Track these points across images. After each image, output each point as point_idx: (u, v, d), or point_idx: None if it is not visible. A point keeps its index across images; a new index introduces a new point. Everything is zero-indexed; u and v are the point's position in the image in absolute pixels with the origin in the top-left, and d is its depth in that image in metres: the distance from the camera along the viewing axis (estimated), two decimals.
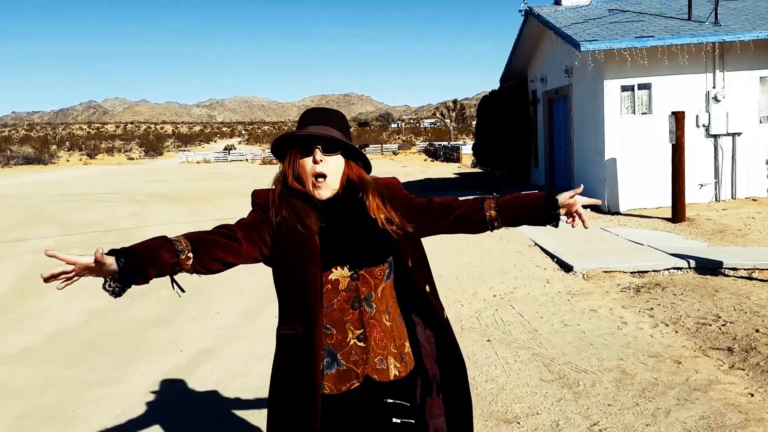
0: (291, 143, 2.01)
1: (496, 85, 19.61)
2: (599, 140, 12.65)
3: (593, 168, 13.10)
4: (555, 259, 8.37)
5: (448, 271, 8.14)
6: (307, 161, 1.95)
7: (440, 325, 2.15)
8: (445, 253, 9.24)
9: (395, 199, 2.07)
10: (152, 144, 72.75)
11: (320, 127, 1.95)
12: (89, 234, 13.14)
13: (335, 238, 1.95)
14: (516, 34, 16.74)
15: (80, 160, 56.71)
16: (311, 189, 1.96)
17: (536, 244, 9.40)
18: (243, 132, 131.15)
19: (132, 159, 57.97)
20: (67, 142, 78.26)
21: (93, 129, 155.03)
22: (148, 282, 1.80)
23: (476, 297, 6.91)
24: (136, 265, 1.76)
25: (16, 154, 49.77)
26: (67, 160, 55.80)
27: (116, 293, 1.77)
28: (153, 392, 4.86)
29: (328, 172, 1.95)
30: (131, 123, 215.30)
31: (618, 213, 12.13)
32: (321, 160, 1.93)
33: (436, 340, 2.15)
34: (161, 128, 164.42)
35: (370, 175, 2.09)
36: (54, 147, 61.79)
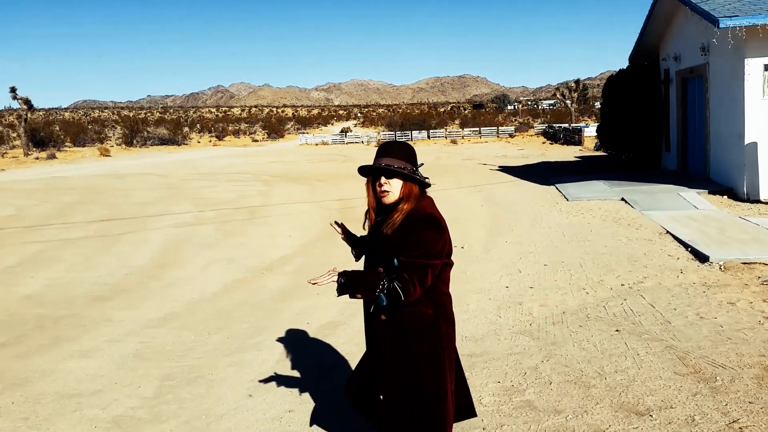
0: (367, 172, 2.86)
1: (623, 64, 18.79)
2: (739, 123, 11.77)
3: (731, 153, 12.22)
4: (689, 249, 7.92)
5: (571, 258, 7.92)
6: (377, 183, 2.79)
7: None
8: (567, 239, 9.00)
9: (404, 230, 2.69)
10: (274, 127, 75.44)
11: (387, 159, 2.74)
12: (221, 210, 13.95)
13: (369, 237, 2.91)
14: (647, 9, 15.88)
15: (210, 141, 59.93)
16: (381, 197, 2.80)
17: (668, 232, 8.93)
18: (359, 115, 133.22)
19: (256, 141, 60.48)
20: (198, 125, 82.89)
21: (221, 112, 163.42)
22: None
23: (602, 285, 6.68)
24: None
25: (152, 135, 53.24)
26: (198, 142, 59.19)
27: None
28: (284, 360, 5.13)
29: (389, 189, 2.76)
30: (255, 106, 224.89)
31: (758, 201, 11.26)
32: (384, 183, 2.76)
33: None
34: (282, 111, 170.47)
35: (422, 202, 2.76)
36: (186, 129, 65.46)
